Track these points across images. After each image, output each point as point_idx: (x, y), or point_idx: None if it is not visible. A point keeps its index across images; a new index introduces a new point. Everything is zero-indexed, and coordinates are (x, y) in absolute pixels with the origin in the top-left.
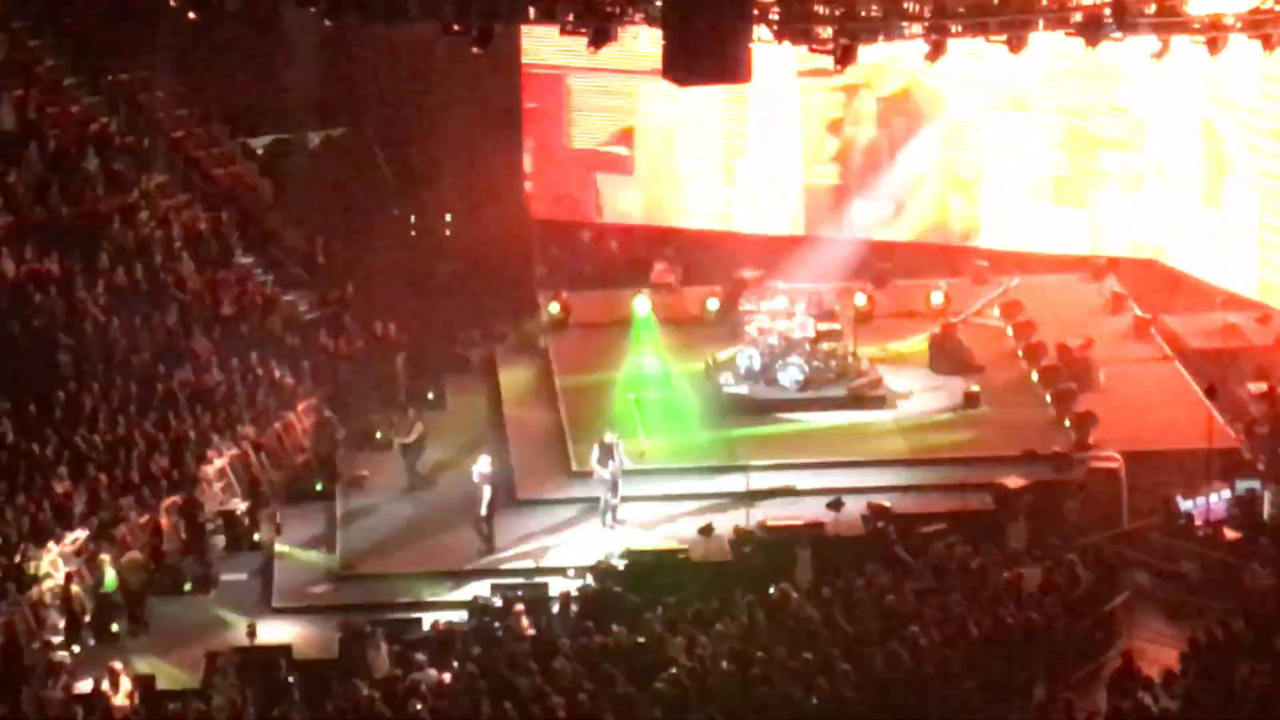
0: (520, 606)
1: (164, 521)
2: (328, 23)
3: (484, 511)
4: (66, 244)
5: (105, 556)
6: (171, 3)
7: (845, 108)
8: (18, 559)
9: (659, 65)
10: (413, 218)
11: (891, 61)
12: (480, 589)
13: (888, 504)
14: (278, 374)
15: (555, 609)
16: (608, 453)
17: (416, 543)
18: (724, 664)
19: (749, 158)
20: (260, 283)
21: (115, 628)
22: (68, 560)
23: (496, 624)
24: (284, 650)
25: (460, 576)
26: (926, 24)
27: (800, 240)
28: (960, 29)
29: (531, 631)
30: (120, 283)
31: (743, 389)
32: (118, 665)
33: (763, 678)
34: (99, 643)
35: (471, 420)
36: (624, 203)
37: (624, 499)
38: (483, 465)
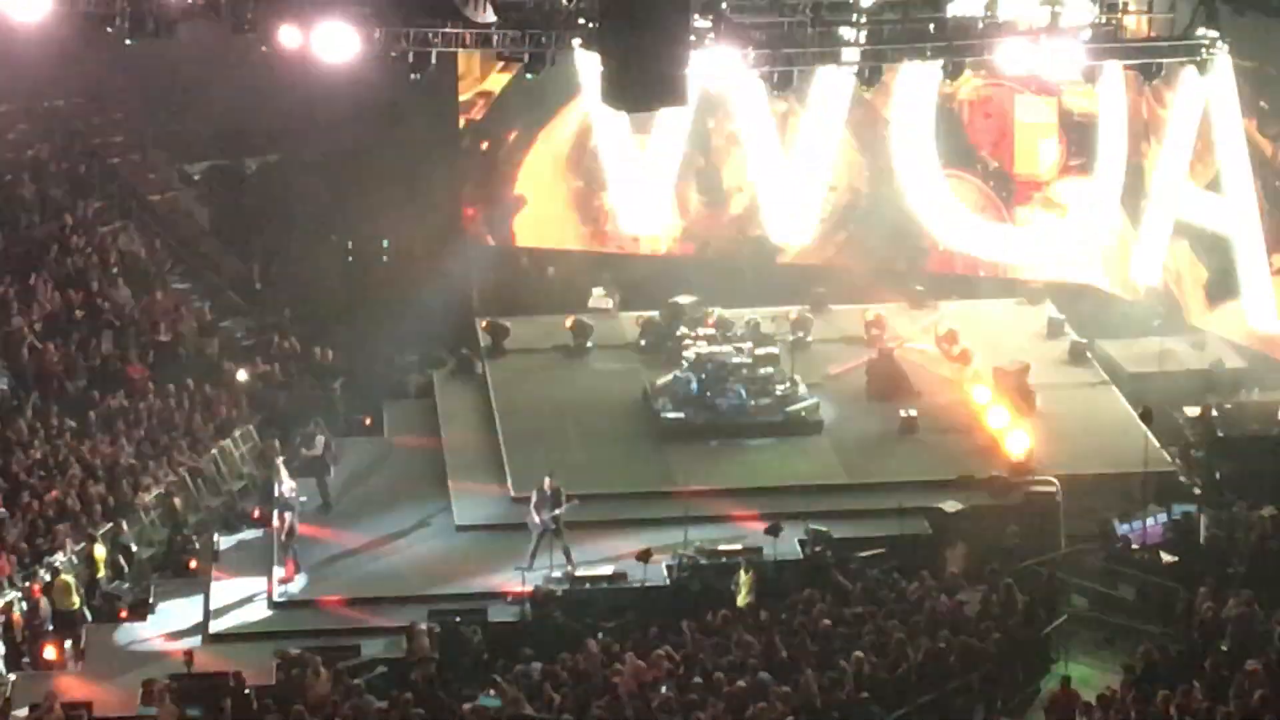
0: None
1: (99, 548)
2: (264, 49)
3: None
4: (2, 269)
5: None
6: (108, 29)
7: None
8: None
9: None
10: (350, 243)
11: None
12: (417, 614)
13: (826, 529)
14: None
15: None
16: (545, 500)
17: (352, 568)
18: (663, 689)
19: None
20: (197, 309)
21: (52, 654)
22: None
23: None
24: (221, 677)
25: (397, 602)
26: (863, 48)
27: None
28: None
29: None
30: (56, 308)
31: (680, 414)
32: (55, 692)
33: (700, 703)
34: (36, 669)
35: (408, 446)
36: None
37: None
38: (286, 487)
